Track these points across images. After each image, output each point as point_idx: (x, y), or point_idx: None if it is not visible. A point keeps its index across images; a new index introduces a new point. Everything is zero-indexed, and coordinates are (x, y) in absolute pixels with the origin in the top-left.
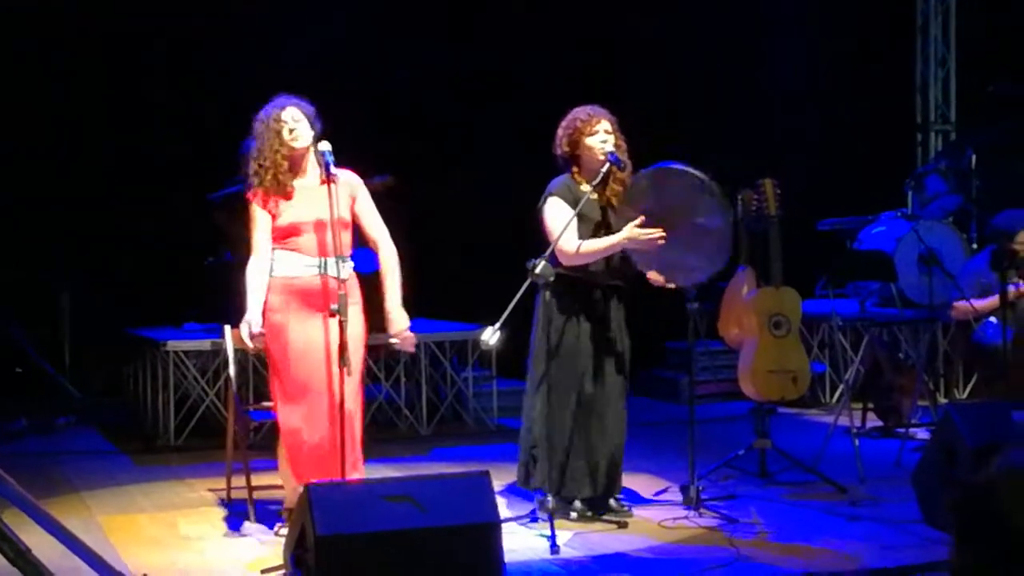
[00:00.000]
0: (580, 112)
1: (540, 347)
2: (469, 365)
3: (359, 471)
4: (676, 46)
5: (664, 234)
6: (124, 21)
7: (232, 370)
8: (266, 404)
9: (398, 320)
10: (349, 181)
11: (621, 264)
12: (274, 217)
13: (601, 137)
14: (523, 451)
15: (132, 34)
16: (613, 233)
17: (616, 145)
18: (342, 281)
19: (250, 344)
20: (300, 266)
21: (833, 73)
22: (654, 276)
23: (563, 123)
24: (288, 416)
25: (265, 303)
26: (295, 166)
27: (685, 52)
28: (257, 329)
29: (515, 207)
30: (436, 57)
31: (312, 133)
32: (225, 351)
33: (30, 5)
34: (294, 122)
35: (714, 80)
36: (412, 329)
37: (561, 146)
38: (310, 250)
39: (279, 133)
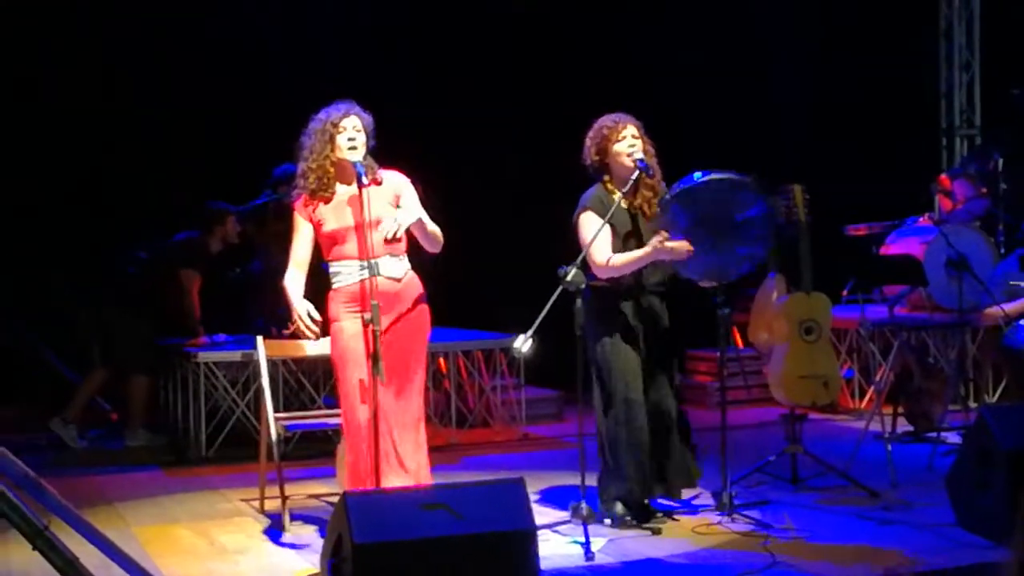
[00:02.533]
0: (606, 120)
1: (601, 358)
2: (498, 373)
3: (426, 477)
4: (700, 49)
5: (690, 248)
6: (143, 30)
7: (265, 380)
8: (299, 414)
9: (402, 213)
10: (393, 180)
11: (660, 270)
12: (319, 225)
13: (629, 143)
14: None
15: (150, 43)
16: (645, 242)
17: (644, 150)
18: (396, 280)
19: (311, 324)
20: (353, 272)
21: (858, 78)
22: (706, 282)
23: (590, 133)
24: (351, 421)
25: (328, 312)
26: (342, 174)
27: (708, 55)
28: (316, 315)
29: (544, 215)
30: (462, 66)
31: (366, 147)
32: (256, 361)
33: (41, 20)
34: (354, 131)
35: (740, 87)
36: (442, 338)
37: (590, 156)
38: (355, 254)
39: (333, 138)
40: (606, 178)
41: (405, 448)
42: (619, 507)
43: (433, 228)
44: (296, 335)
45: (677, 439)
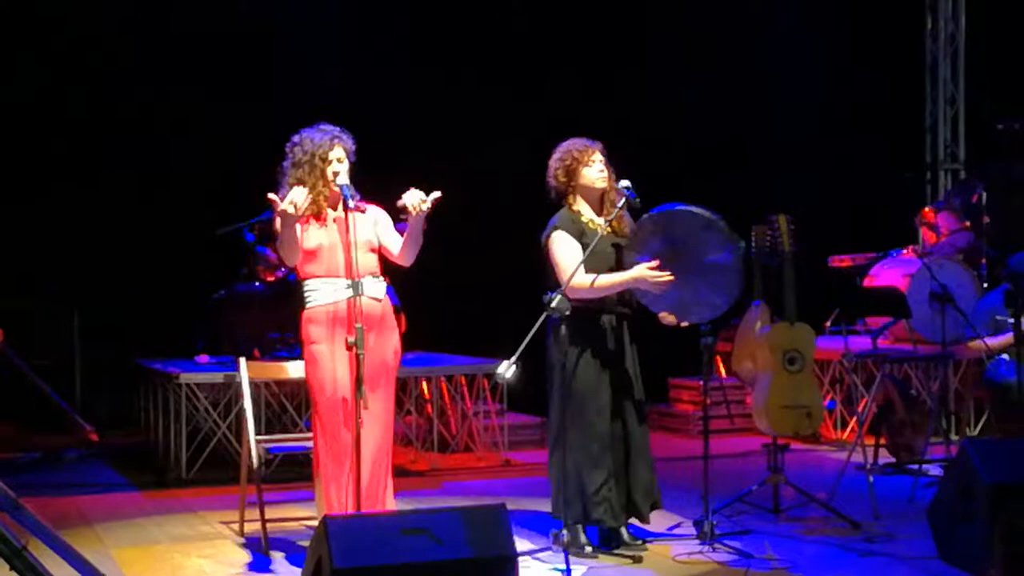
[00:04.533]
0: (574, 144)
1: (559, 381)
2: (480, 399)
3: (391, 503)
4: (689, 85)
5: (672, 277)
6: (139, 48)
7: (247, 402)
8: (281, 437)
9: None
10: (374, 212)
11: (627, 294)
12: (302, 237)
13: (598, 167)
14: (556, 485)
15: (150, 62)
16: (622, 267)
17: (608, 176)
18: (377, 300)
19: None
20: (337, 290)
21: (844, 112)
22: (665, 316)
23: (556, 155)
24: (328, 444)
25: (305, 334)
26: (331, 199)
27: (697, 91)
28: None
29: (529, 240)
30: (451, 91)
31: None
32: (238, 384)
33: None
34: (338, 164)
35: (727, 119)
36: (424, 363)
37: (556, 177)
38: (339, 272)
39: (324, 173)
40: (570, 200)
41: (378, 471)
42: (582, 535)
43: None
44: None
45: (645, 463)
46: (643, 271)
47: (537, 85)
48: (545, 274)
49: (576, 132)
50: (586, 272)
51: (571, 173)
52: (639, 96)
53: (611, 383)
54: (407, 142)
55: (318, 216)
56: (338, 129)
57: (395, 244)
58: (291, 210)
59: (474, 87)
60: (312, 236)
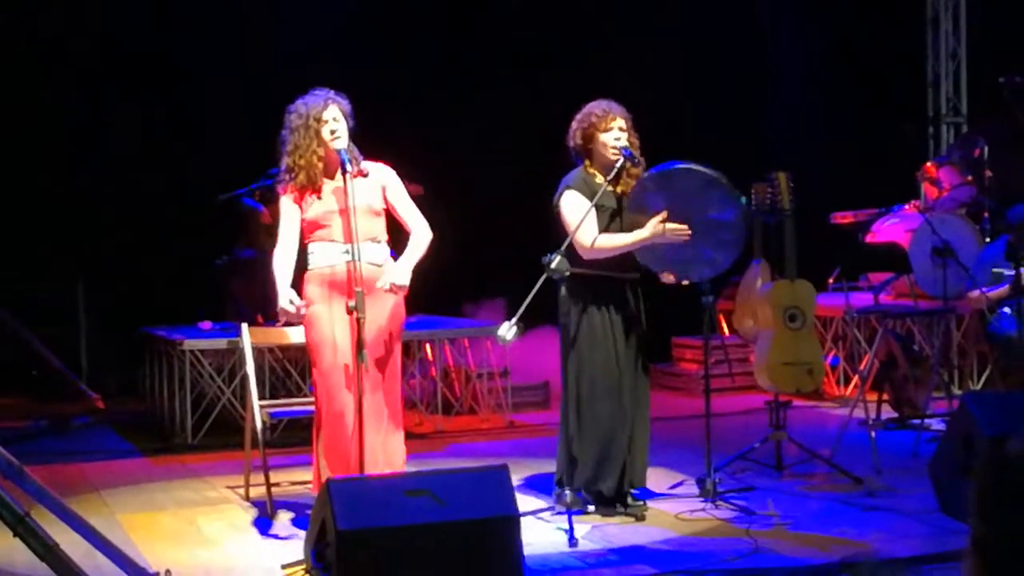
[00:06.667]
0: (596, 107)
1: (565, 345)
2: (484, 361)
3: (401, 464)
4: (687, 39)
5: (689, 231)
6: (142, 22)
7: (250, 368)
8: (284, 402)
9: (397, 272)
10: (380, 172)
11: (633, 257)
12: (303, 211)
13: (615, 134)
14: (563, 451)
15: (149, 38)
16: (625, 229)
17: (630, 142)
18: (377, 266)
19: (293, 309)
20: (333, 254)
21: (845, 66)
22: (667, 276)
23: (578, 116)
24: (328, 407)
25: (304, 295)
26: (328, 167)
27: (696, 46)
28: (298, 301)
29: (531, 202)
30: (452, 61)
31: (349, 132)
32: (241, 350)
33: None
34: (335, 122)
35: (727, 75)
36: (428, 326)
37: (575, 138)
38: (338, 237)
39: (319, 133)
40: (587, 162)
41: (382, 435)
42: (581, 495)
43: (420, 252)
44: (290, 324)
45: (646, 431)
46: (657, 226)
47: (541, 47)
48: (557, 235)
49: (580, 92)
50: (596, 231)
51: (588, 137)
52: (640, 56)
53: (615, 349)
54: (409, 107)
55: (315, 189)
56: (332, 92)
57: (408, 218)
58: (288, 307)
59: (469, 54)
60: (311, 209)
